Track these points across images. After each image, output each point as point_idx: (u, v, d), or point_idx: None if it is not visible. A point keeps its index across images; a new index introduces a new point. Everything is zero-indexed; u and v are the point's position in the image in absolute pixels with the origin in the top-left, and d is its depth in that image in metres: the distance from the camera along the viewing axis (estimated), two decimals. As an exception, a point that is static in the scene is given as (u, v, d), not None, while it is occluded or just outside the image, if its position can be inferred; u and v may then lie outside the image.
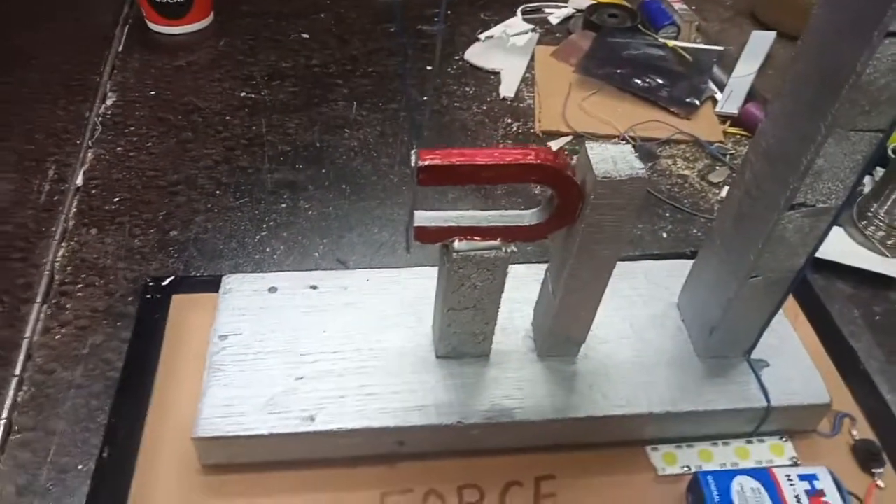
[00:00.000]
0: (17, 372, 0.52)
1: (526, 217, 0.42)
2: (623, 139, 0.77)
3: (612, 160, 0.39)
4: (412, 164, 0.38)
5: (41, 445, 0.48)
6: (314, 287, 0.54)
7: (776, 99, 0.41)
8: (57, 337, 0.55)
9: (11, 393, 0.51)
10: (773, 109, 0.41)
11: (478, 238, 0.42)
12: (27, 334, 0.54)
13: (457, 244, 0.42)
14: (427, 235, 0.42)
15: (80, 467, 0.47)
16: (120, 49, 0.88)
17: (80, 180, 0.69)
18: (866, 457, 0.52)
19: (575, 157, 0.41)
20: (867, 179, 0.74)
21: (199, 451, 0.46)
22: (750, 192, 0.44)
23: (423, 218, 0.42)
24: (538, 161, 0.38)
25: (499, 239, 0.42)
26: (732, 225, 0.46)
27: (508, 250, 0.42)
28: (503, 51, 0.90)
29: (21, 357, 0.53)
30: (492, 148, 0.39)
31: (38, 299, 0.57)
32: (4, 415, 0.49)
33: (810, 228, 0.42)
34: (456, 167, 0.38)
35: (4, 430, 0.49)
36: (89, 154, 0.72)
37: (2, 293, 0.58)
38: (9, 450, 0.48)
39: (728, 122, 0.81)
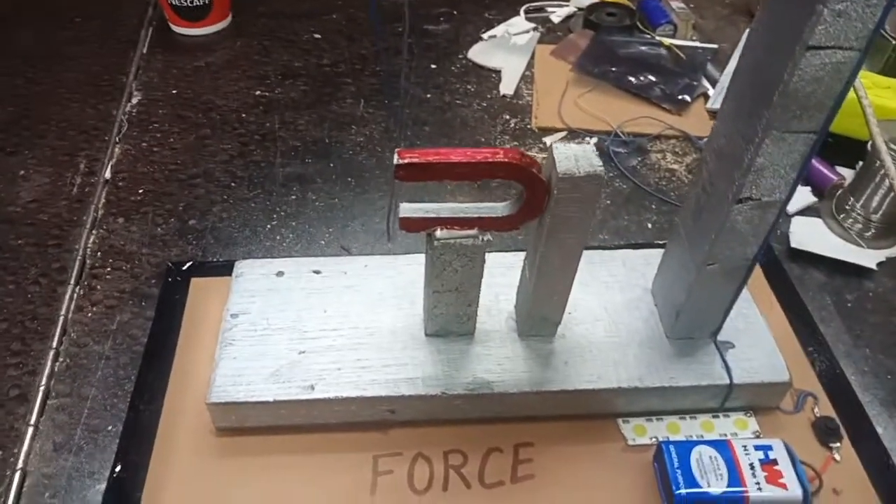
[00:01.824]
0: (54, 345, 0.58)
1: (499, 209, 0.47)
2: (615, 135, 0.81)
3: (574, 158, 0.43)
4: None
5: (75, 409, 0.55)
6: (317, 271, 0.60)
7: (724, 102, 0.45)
8: (89, 315, 0.61)
9: (49, 363, 0.57)
10: (721, 112, 0.46)
11: (457, 228, 0.47)
12: (63, 312, 0.61)
13: (439, 233, 0.47)
14: (411, 225, 0.47)
15: (109, 428, 0.54)
16: (144, 50, 0.94)
17: (108, 174, 0.75)
18: (825, 432, 0.55)
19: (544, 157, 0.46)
20: (848, 173, 0.77)
21: (212, 416, 0.52)
22: (706, 187, 0.48)
23: (407, 209, 0.47)
24: (506, 159, 0.43)
25: (476, 228, 0.47)
26: (692, 218, 0.50)
27: (485, 238, 0.47)
28: (504, 50, 0.94)
29: (57, 332, 0.59)
30: (466, 148, 0.43)
31: (72, 281, 0.64)
32: (43, 382, 0.56)
33: (759, 220, 0.46)
34: (431, 165, 0.43)
35: (43, 395, 0.55)
36: (117, 149, 0.78)
37: (39, 276, 0.64)
38: (47, 413, 0.54)
39: (718, 118, 0.85)
